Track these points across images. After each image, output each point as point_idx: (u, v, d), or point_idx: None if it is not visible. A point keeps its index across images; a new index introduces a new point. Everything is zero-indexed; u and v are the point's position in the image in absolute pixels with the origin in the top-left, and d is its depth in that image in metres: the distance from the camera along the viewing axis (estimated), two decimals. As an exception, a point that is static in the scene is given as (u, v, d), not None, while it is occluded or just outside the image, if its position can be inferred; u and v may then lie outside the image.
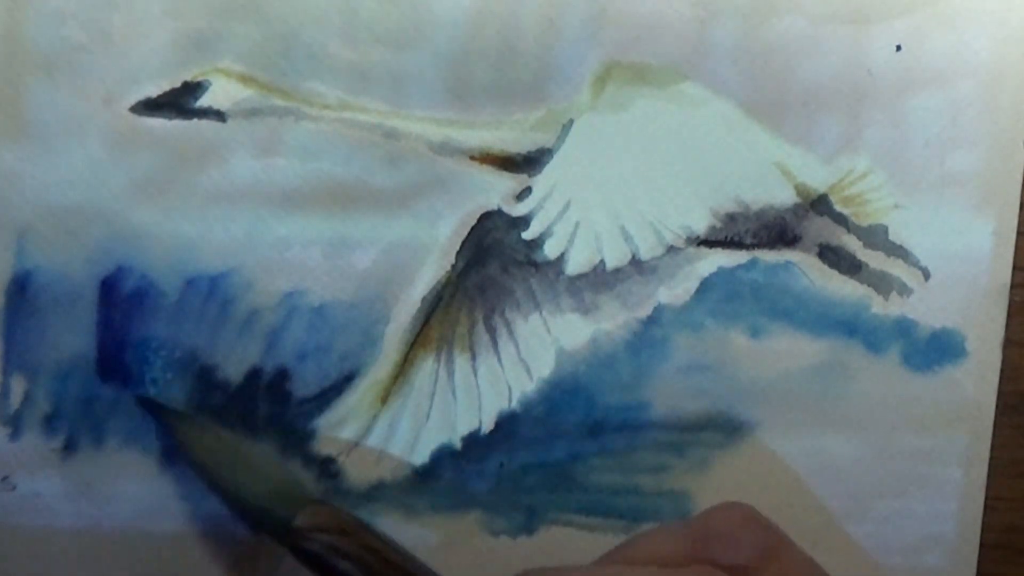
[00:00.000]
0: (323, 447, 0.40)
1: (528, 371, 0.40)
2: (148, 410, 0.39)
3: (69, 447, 0.39)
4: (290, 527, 0.35)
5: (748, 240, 0.40)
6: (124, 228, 0.38)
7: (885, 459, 0.41)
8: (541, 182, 0.39)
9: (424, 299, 0.39)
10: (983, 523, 0.41)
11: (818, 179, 0.40)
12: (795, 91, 0.39)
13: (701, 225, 0.40)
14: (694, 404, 0.40)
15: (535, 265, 0.40)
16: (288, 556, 0.37)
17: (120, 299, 0.39)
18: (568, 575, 0.27)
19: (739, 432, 0.41)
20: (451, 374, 0.40)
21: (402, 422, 0.40)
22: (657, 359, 0.40)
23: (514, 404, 0.40)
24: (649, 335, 0.40)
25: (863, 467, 0.41)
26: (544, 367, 0.40)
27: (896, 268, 0.40)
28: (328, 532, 0.35)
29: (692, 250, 0.40)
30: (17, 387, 0.39)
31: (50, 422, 0.39)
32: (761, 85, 0.39)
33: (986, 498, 0.41)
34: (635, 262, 0.40)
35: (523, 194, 0.39)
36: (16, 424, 0.39)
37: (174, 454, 0.39)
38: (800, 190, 0.40)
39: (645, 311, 0.40)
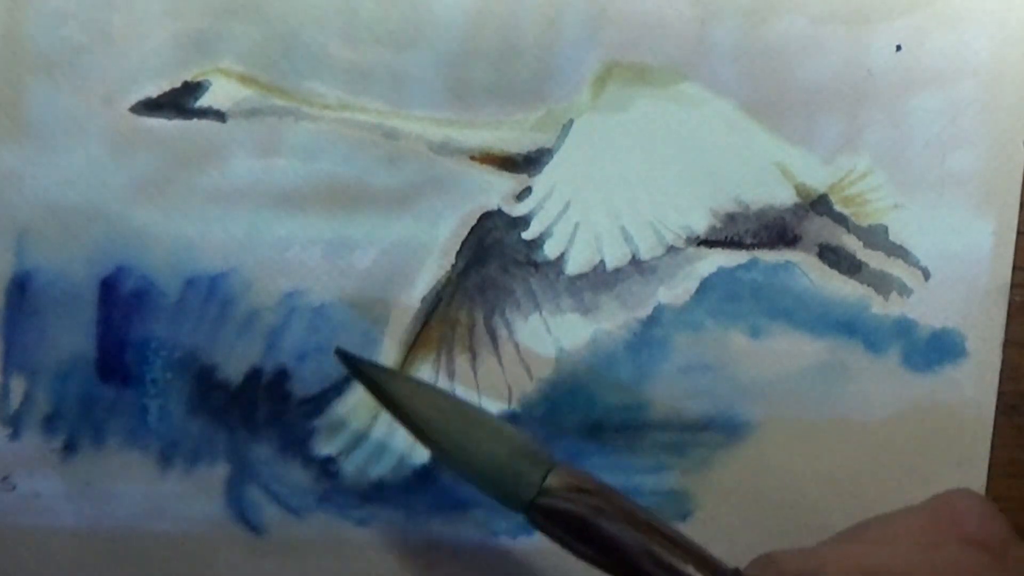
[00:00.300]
0: (323, 447, 0.40)
1: (528, 371, 0.40)
2: (352, 370, 0.36)
3: (69, 447, 0.39)
4: (540, 489, 0.32)
5: (748, 240, 0.40)
6: (124, 228, 0.38)
7: (885, 459, 0.41)
8: (541, 182, 0.39)
9: (424, 299, 0.39)
10: (983, 523, 0.41)
11: (818, 179, 0.40)
12: (795, 91, 0.39)
13: (701, 225, 0.40)
14: (694, 404, 0.40)
15: (535, 265, 0.40)
16: (294, 555, 0.37)
17: (120, 299, 0.39)
18: (814, 554, 0.26)
19: (739, 432, 0.41)
20: (451, 374, 0.40)
21: (402, 422, 0.40)
22: (657, 359, 0.40)
23: (514, 404, 0.40)
24: (649, 335, 0.40)
25: (863, 467, 0.41)
26: (544, 367, 0.40)
27: (896, 268, 0.40)
28: (588, 493, 0.32)
29: (692, 250, 0.40)
30: (17, 387, 0.39)
31: (50, 422, 0.39)
32: (761, 85, 0.39)
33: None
34: (635, 262, 0.40)
35: (523, 194, 0.39)
36: (16, 424, 0.39)
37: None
38: (800, 190, 0.40)
39: (645, 311, 0.40)
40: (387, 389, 0.35)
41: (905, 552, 0.25)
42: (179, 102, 0.38)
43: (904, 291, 0.40)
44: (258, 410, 0.39)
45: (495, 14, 0.38)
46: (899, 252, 0.40)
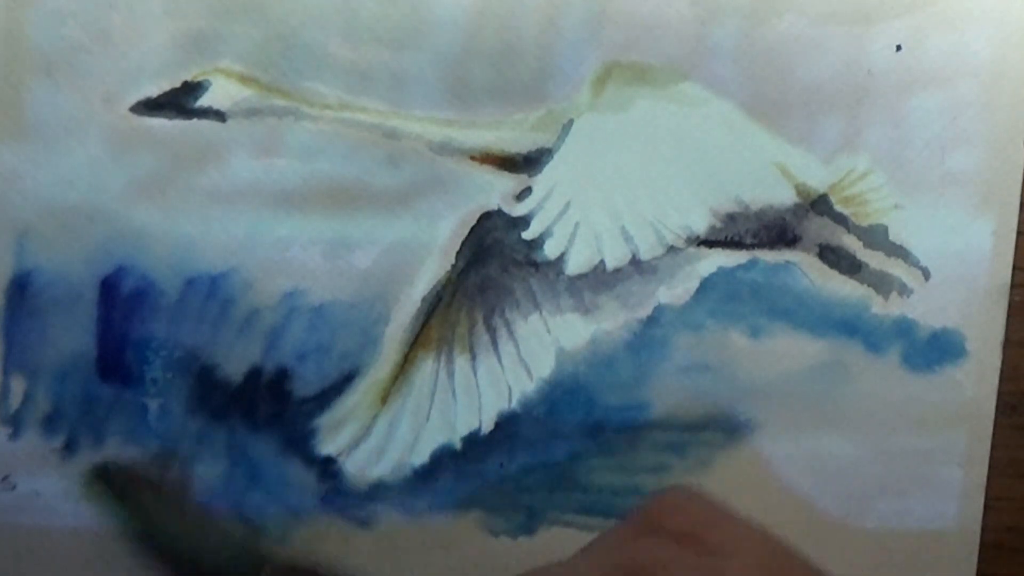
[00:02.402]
0: (323, 447, 0.40)
1: (528, 371, 0.40)
2: (102, 481, 0.39)
3: (69, 447, 0.39)
4: None
5: (748, 240, 0.40)
6: (124, 228, 0.38)
7: (885, 459, 0.41)
8: (541, 182, 0.39)
9: (424, 299, 0.39)
10: (983, 523, 0.41)
11: (818, 179, 0.40)
12: (795, 91, 0.39)
13: (701, 225, 0.40)
14: (694, 404, 0.40)
15: (535, 265, 0.40)
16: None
17: (120, 299, 0.39)
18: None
19: (739, 432, 0.41)
20: (451, 374, 0.40)
21: (402, 422, 0.40)
22: (657, 359, 0.40)
23: (514, 404, 0.40)
24: (649, 335, 0.40)
25: (863, 467, 0.41)
26: (544, 367, 0.40)
27: (896, 268, 0.40)
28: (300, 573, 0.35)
29: (692, 250, 0.40)
30: (17, 387, 0.39)
31: (50, 422, 0.39)
32: (761, 85, 0.39)
33: (986, 498, 0.41)
34: (635, 262, 0.40)
35: (523, 194, 0.39)
36: (16, 424, 0.39)
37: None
38: (800, 190, 0.40)
39: (645, 311, 0.40)
40: (129, 500, 0.39)
41: (598, 556, 0.26)
42: (179, 102, 0.38)
43: (904, 291, 0.40)
44: (258, 410, 0.39)
45: (495, 14, 0.38)
46: (899, 252, 0.40)
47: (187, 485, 0.39)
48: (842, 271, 0.40)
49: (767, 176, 0.40)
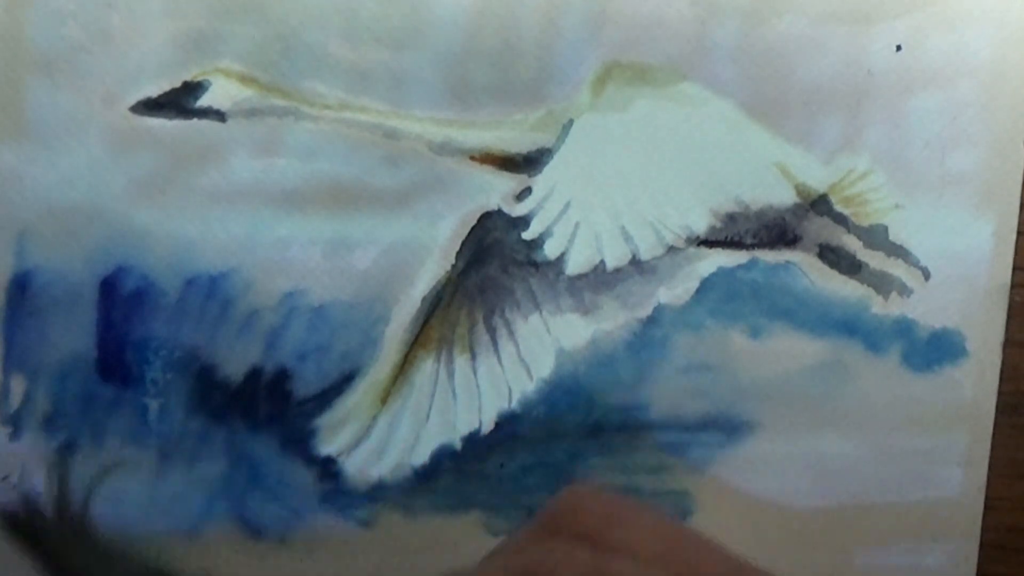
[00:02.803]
0: (323, 447, 0.40)
1: (528, 371, 0.40)
2: (15, 528, 0.39)
3: (69, 447, 0.39)
4: None
5: (748, 240, 0.40)
6: (124, 228, 0.38)
7: (885, 459, 0.41)
8: (541, 182, 0.39)
9: (424, 299, 0.39)
10: (983, 523, 0.41)
11: (818, 179, 0.40)
12: (795, 91, 0.39)
13: (701, 225, 0.40)
14: (694, 404, 0.40)
15: (535, 265, 0.40)
16: (294, 555, 0.38)
17: (120, 299, 0.39)
18: None
19: (739, 432, 0.41)
20: (451, 374, 0.40)
21: (402, 422, 0.40)
22: (657, 359, 0.40)
23: (514, 404, 0.40)
24: (649, 335, 0.40)
25: (863, 467, 0.41)
26: (544, 367, 0.40)
27: (896, 268, 0.40)
28: None
29: (692, 250, 0.40)
30: (17, 387, 0.39)
31: (50, 422, 0.39)
32: (761, 85, 0.39)
33: (986, 498, 0.41)
34: (635, 262, 0.40)
35: (523, 194, 0.39)
36: (16, 424, 0.39)
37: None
38: (800, 190, 0.40)
39: (645, 311, 0.40)
40: (45, 542, 0.39)
41: (499, 561, 0.26)
42: (179, 102, 0.38)
43: (904, 291, 0.40)
44: (258, 410, 0.39)
45: (495, 14, 0.38)
46: (899, 252, 0.40)
47: (88, 522, 0.39)
48: (842, 271, 0.40)
49: (767, 176, 0.40)
